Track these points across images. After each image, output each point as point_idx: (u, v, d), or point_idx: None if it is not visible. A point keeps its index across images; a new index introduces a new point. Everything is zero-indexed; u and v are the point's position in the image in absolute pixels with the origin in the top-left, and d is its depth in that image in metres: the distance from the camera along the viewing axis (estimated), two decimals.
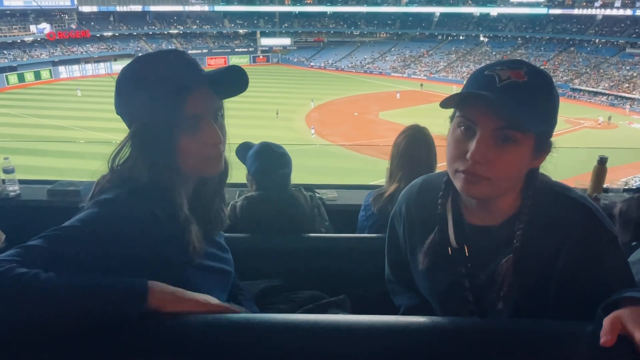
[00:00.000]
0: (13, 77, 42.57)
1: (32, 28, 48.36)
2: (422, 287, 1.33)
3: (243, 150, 2.32)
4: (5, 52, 44.98)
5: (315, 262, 2.07)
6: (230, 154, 1.29)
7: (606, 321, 0.87)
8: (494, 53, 51.32)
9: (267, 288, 1.92)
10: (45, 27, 48.15)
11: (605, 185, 2.93)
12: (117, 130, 1.16)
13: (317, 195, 2.53)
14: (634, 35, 45.09)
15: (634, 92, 37.87)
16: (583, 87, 41.03)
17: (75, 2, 49.84)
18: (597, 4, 48.98)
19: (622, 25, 47.13)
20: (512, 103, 0.98)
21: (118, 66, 47.22)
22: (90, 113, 27.49)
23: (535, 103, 1.01)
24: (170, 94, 1.06)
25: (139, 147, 1.12)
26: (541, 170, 1.16)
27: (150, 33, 57.05)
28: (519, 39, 53.98)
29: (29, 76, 43.91)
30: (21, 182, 2.98)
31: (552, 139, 1.11)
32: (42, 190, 2.90)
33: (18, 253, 0.90)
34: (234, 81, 1.12)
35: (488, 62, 1.23)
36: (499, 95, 0.99)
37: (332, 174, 16.82)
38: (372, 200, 2.25)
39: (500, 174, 1.04)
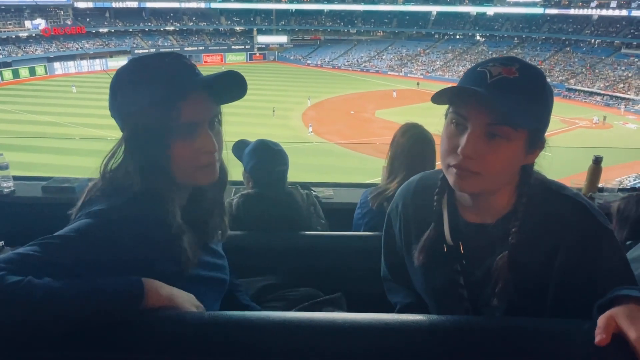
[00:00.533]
0: (7, 73, 42.28)
1: (27, 23, 47.99)
2: (417, 284, 1.34)
3: (239, 147, 2.32)
4: None
5: (311, 260, 2.07)
6: (227, 152, 1.26)
7: (601, 320, 0.88)
8: (490, 52, 51.38)
9: (261, 287, 1.92)
10: (40, 23, 47.83)
11: (600, 185, 2.95)
12: (112, 128, 1.14)
13: (314, 193, 2.53)
14: (630, 36, 45.28)
15: (628, 93, 38.05)
16: (578, 87, 41.17)
17: None
18: (593, 4, 49.13)
19: (618, 25, 47.32)
20: (501, 98, 0.99)
21: (114, 63, 47.05)
22: (85, 110, 27.31)
23: (526, 99, 1.01)
24: (164, 100, 1.03)
25: (132, 153, 1.09)
26: (536, 168, 1.17)
27: (147, 30, 56.77)
28: (516, 38, 54.10)
29: (24, 72, 43.61)
30: (16, 178, 2.96)
31: (546, 136, 1.11)
32: (37, 187, 2.89)
33: (11, 260, 0.88)
34: (231, 86, 1.10)
35: None
36: (490, 91, 1.00)
37: (328, 172, 16.82)
38: (371, 198, 2.25)
39: (491, 169, 1.05)
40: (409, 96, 35.19)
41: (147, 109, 1.05)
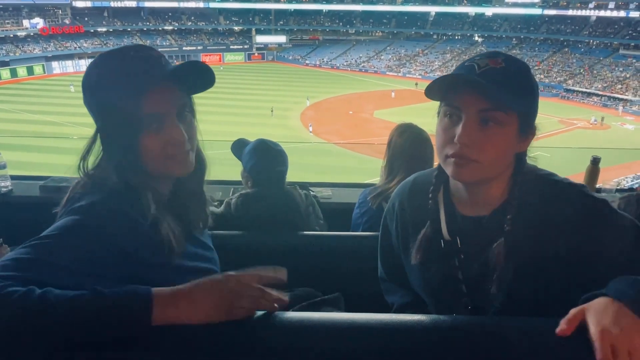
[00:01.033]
0: (5, 72, 42.21)
1: (25, 23, 47.91)
2: (415, 283, 1.34)
3: (238, 147, 2.32)
4: None
5: (310, 260, 2.06)
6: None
7: (572, 311, 0.90)
8: (483, 52, 51.32)
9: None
10: (39, 22, 47.75)
11: (598, 186, 2.96)
12: None
13: (312, 193, 2.53)
14: (628, 37, 45.40)
15: (626, 94, 38.14)
16: (576, 88, 41.26)
17: None
18: (591, 5, 49.26)
19: (616, 26, 47.43)
20: (491, 83, 1.04)
21: None
22: (83, 109, 26.49)
23: (514, 84, 1.06)
24: (127, 92, 1.04)
25: (106, 148, 1.11)
26: (533, 164, 1.19)
27: (145, 29, 56.70)
28: (514, 39, 54.18)
29: (22, 71, 43.54)
30: (13, 177, 2.95)
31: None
32: (35, 186, 2.88)
33: (6, 267, 0.88)
34: (195, 76, 1.10)
35: None
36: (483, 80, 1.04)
37: (327, 172, 16.82)
38: (371, 198, 2.25)
39: (488, 156, 1.08)
40: (407, 96, 35.20)
41: (113, 103, 1.06)
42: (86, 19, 52.69)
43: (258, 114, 28.55)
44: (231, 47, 58.62)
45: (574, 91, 41.04)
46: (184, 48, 54.49)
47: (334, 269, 2.00)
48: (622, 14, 46.27)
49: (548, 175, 1.18)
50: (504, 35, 54.91)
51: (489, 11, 55.92)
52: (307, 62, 56.75)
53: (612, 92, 38.97)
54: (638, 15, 45.33)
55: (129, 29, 55.51)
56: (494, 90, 1.03)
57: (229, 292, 0.92)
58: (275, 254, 2.05)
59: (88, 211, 1.02)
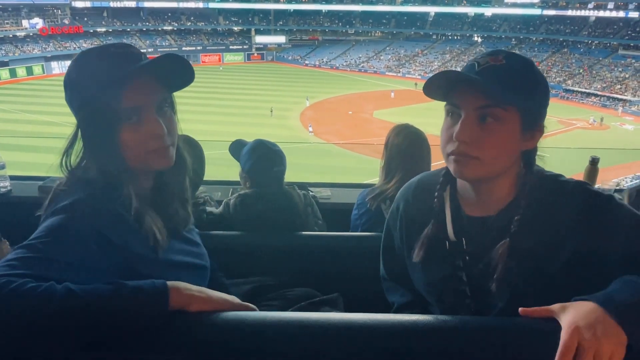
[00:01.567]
0: (5, 72, 42.16)
1: (25, 23, 47.86)
2: (418, 283, 1.33)
3: (236, 147, 2.32)
4: None
5: (309, 261, 2.07)
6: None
7: (555, 305, 0.91)
8: (487, 50, 51.42)
9: (258, 287, 1.92)
10: (38, 22, 47.70)
11: (596, 186, 2.96)
12: None
13: (311, 193, 2.53)
14: (627, 37, 45.44)
15: (625, 94, 38.17)
16: (576, 88, 41.30)
17: None
18: (590, 6, 49.29)
19: (615, 26, 47.47)
20: (489, 80, 1.04)
21: None
22: None
23: (515, 80, 1.06)
24: (105, 86, 1.05)
25: (86, 145, 1.12)
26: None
27: (144, 29, 56.68)
28: (513, 39, 54.20)
29: (21, 71, 43.51)
30: (12, 178, 2.95)
31: (545, 122, 1.13)
32: (34, 187, 2.87)
33: (13, 266, 0.88)
34: (172, 69, 1.11)
35: None
36: (481, 77, 1.05)
37: (326, 172, 16.82)
38: (369, 199, 2.25)
39: (488, 153, 1.08)
40: (406, 96, 35.22)
41: (92, 98, 1.07)
42: (85, 19, 52.67)
43: (257, 114, 28.54)
44: (231, 47, 58.61)
45: (573, 91, 41.06)
46: (184, 48, 54.44)
47: (333, 269, 2.00)
48: (621, 14, 46.31)
49: (554, 176, 1.17)
50: (503, 36, 54.93)
51: (488, 11, 55.94)
52: (306, 62, 56.74)
53: (611, 93, 39.00)
54: (637, 16, 45.38)
55: (128, 29, 55.47)
56: (490, 86, 1.03)
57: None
58: (274, 254, 2.05)
59: (74, 209, 1.02)
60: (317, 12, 63.09)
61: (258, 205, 2.16)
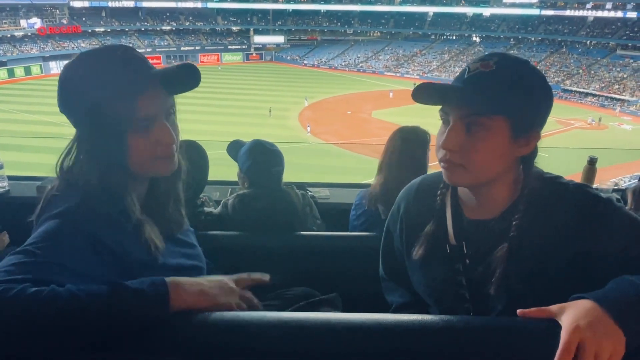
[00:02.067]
0: (3, 72, 42.11)
1: (23, 22, 47.80)
2: (417, 284, 1.33)
3: (234, 148, 2.31)
4: None
5: (307, 260, 2.07)
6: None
7: (553, 306, 0.91)
8: (486, 53, 51.41)
9: (257, 287, 1.92)
10: (36, 22, 47.65)
11: (594, 186, 2.96)
12: None
13: (310, 193, 2.53)
14: (625, 37, 45.54)
15: (624, 94, 38.25)
16: (574, 88, 41.36)
17: None
18: (588, 6, 49.38)
19: (613, 27, 47.56)
20: (472, 90, 1.04)
21: None
22: None
23: (501, 88, 1.04)
24: (120, 96, 1.03)
25: (89, 150, 1.09)
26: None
27: (143, 29, 56.62)
28: (512, 39, 54.27)
29: (19, 71, 43.47)
30: (10, 178, 2.94)
31: (542, 137, 1.12)
32: (32, 187, 2.87)
33: (10, 272, 0.87)
34: (186, 79, 1.09)
35: None
36: (465, 86, 1.06)
37: (325, 172, 16.82)
38: (366, 199, 2.25)
39: (473, 161, 1.08)
40: (405, 96, 34.89)
41: (103, 104, 1.04)
42: (84, 19, 52.60)
43: (256, 114, 28.53)
44: (229, 47, 58.60)
45: (571, 91, 41.13)
46: (182, 48, 54.43)
47: (332, 269, 2.00)
48: (619, 14, 46.41)
49: (554, 178, 1.16)
50: (501, 36, 55.00)
51: (486, 11, 56.02)
52: (305, 62, 56.75)
53: (609, 93, 39.07)
54: (635, 16, 45.48)
55: (126, 29, 55.42)
56: (470, 97, 1.04)
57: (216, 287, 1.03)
58: (273, 254, 2.05)
59: (71, 213, 1.01)
60: (316, 12, 63.10)
61: (256, 206, 2.16)
